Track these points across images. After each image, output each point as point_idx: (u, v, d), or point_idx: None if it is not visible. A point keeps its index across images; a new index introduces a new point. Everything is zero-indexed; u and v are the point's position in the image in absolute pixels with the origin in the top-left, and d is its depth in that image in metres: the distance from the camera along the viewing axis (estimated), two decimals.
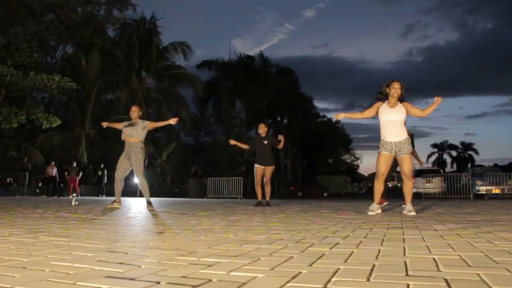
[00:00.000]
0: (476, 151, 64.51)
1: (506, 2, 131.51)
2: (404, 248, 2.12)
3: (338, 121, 57.43)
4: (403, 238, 2.55)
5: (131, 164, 7.06)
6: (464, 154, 64.73)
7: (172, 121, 7.38)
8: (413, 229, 3.13)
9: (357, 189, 55.59)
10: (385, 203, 8.11)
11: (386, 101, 5.43)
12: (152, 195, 7.41)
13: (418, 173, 21.03)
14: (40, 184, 22.59)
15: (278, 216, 5.10)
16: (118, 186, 7.36)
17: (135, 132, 7.09)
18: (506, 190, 18.05)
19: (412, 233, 2.83)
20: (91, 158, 24.31)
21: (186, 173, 28.15)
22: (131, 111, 7.34)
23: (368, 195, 9.04)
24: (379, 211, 5.48)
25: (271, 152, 9.09)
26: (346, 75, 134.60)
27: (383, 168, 5.37)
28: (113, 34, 30.05)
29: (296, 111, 39.60)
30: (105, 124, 7.76)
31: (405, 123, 6.39)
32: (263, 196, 9.06)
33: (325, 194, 35.96)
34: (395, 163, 5.80)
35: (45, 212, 5.56)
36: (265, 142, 8.96)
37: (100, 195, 21.29)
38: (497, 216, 4.85)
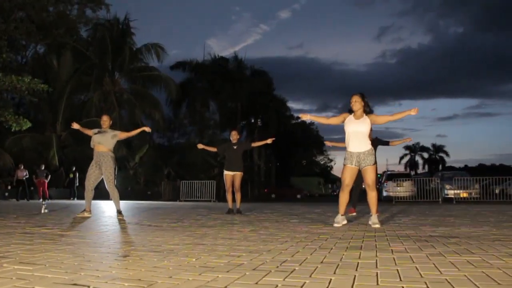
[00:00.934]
0: (447, 153, 66.21)
1: (476, 8, 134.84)
2: (355, 277, 2.25)
3: (312, 123, 57.97)
4: (358, 263, 2.68)
5: (101, 173, 7.10)
6: (435, 156, 66.22)
7: (146, 129, 7.47)
8: (370, 251, 3.27)
9: (331, 191, 56.27)
10: (354, 213, 8.30)
11: (353, 113, 5.60)
12: (125, 198, 7.51)
13: (389, 177, 21.48)
14: (9, 187, 22.16)
15: (245, 229, 5.20)
16: (89, 195, 7.37)
17: (104, 140, 7.12)
18: (473, 194, 18.62)
19: (368, 257, 2.96)
20: (63, 160, 23.98)
21: (159, 175, 28.02)
22: (102, 120, 7.40)
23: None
24: (345, 222, 5.64)
25: (240, 158, 9.16)
26: (321, 76, 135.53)
27: (348, 179, 5.56)
28: (86, 34, 29.68)
29: (270, 112, 39.83)
30: (75, 126, 7.69)
31: (370, 135, 6.62)
32: (234, 201, 9.17)
33: (299, 196, 36.28)
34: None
35: (12, 226, 5.52)
36: (235, 147, 9.05)
37: (72, 198, 21.03)
38: (455, 229, 5.06)
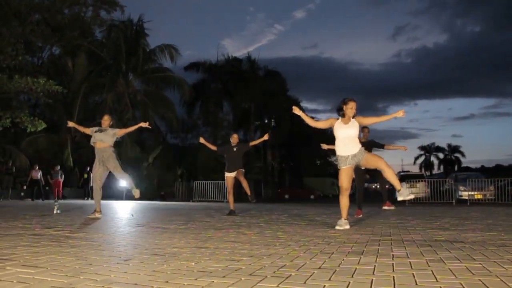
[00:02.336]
0: (462, 154, 65.50)
1: (493, 6, 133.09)
2: (348, 284, 2.26)
3: None
4: (355, 269, 2.69)
5: (107, 169, 7.27)
6: (451, 157, 65.55)
7: (143, 124, 7.60)
8: (371, 256, 3.27)
9: None
10: (361, 215, 8.27)
11: (340, 118, 5.68)
12: (138, 199, 7.66)
13: (402, 178, 21.30)
14: (24, 187, 22.50)
15: (251, 232, 5.22)
16: (98, 195, 7.50)
17: (105, 138, 7.34)
18: (488, 195, 18.39)
19: (367, 263, 2.96)
20: (77, 161, 24.25)
21: (173, 175, 28.18)
22: (103, 119, 7.64)
23: (354, 198, 9.24)
24: (347, 226, 5.63)
25: (241, 160, 9.27)
26: (336, 76, 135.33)
27: (346, 183, 5.63)
28: (100, 36, 29.99)
29: (283, 113, 39.78)
30: (71, 124, 7.90)
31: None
32: (248, 197, 9.33)
33: (312, 197, 36.18)
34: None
35: (23, 227, 5.62)
36: (235, 149, 9.17)
37: (86, 198, 21.28)
38: (462, 233, 5.02)
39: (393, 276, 2.47)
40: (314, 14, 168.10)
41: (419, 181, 20.28)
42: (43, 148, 23.88)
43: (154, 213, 9.98)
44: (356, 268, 2.73)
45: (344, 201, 5.73)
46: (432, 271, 2.64)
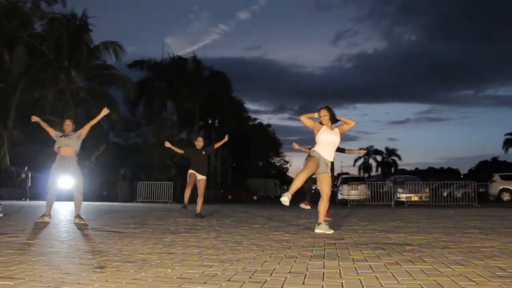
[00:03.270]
0: (399, 157, 68.55)
1: (429, 17, 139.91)
2: (322, 287, 2.47)
3: (268, 125, 58.54)
4: (323, 273, 2.91)
5: (70, 176, 7.02)
6: (388, 159, 68.34)
7: (104, 112, 7.32)
8: (333, 260, 3.51)
9: None
10: (308, 207, 8.49)
11: (325, 125, 5.91)
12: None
13: (344, 181, 22.08)
14: None
15: (210, 235, 5.35)
16: (51, 200, 7.28)
17: (71, 143, 7.09)
18: (423, 197, 19.49)
19: (332, 266, 3.19)
20: (14, 159, 23.21)
21: (116, 175, 27.60)
22: (65, 124, 7.32)
23: (296, 199, 9.53)
24: (287, 203, 5.50)
25: (207, 163, 9.46)
26: (278, 77, 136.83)
27: (312, 167, 5.67)
28: (41, 29, 28.77)
29: (227, 113, 39.99)
30: (35, 118, 7.43)
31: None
32: (189, 202, 9.37)
33: (255, 198, 36.55)
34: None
35: None
36: (203, 152, 9.31)
37: (24, 199, 20.46)
38: (409, 235, 5.40)
39: (360, 279, 2.70)
40: (258, 16, 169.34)
41: (360, 183, 21.08)
42: None
43: (103, 215, 9.85)
44: (324, 272, 2.94)
45: (302, 177, 5.63)
46: (391, 273, 2.90)
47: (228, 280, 2.67)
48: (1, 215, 8.78)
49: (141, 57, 36.18)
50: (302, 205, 8.35)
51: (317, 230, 5.76)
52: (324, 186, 5.81)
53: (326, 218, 8.20)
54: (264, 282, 2.62)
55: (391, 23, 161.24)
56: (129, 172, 28.99)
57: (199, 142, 9.43)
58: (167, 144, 9.65)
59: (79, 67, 26.10)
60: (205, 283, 2.59)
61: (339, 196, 20.96)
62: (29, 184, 21.03)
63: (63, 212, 10.42)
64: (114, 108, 26.99)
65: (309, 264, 3.30)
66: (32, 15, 28.91)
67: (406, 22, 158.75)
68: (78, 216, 7.11)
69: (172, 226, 6.85)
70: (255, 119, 56.26)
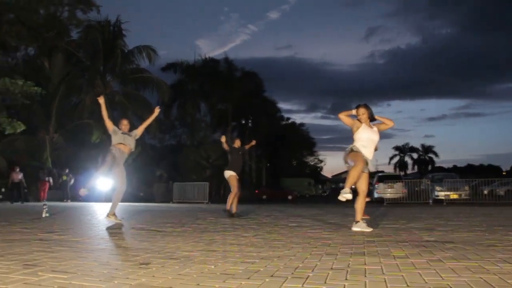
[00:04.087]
0: (436, 154, 67.02)
1: (464, 9, 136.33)
2: (366, 284, 2.48)
3: (302, 124, 58.38)
4: (365, 269, 2.91)
5: (118, 173, 7.09)
6: (424, 157, 66.99)
7: (156, 112, 7.45)
8: (373, 256, 3.50)
9: (321, 191, 56.60)
10: (367, 217, 8.35)
11: (364, 123, 5.90)
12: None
13: (380, 179, 21.80)
14: (3, 190, 22.11)
15: (249, 234, 5.40)
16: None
17: (131, 142, 7.21)
18: (463, 195, 18.96)
19: (373, 262, 3.19)
20: (55, 162, 23.96)
21: (152, 177, 28.10)
22: (123, 124, 7.21)
23: (331, 198, 9.44)
24: (350, 196, 5.49)
25: (242, 162, 9.57)
26: (310, 76, 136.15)
27: (362, 163, 5.66)
28: (77, 36, 29.65)
29: (260, 114, 40.10)
30: (101, 100, 7.38)
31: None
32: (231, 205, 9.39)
33: (289, 197, 36.45)
34: None
35: (23, 232, 5.67)
36: (240, 153, 9.41)
37: (65, 200, 21.06)
38: (450, 234, 5.31)
39: (403, 275, 2.70)
40: (288, 15, 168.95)
41: (396, 181, 20.76)
42: (21, 149, 23.49)
43: (141, 215, 10.05)
44: (365, 269, 2.94)
45: (356, 172, 5.60)
46: (435, 270, 2.88)
47: (271, 276, 2.71)
48: (47, 215, 9.09)
49: (174, 60, 36.65)
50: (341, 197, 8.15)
51: (355, 228, 5.73)
52: (362, 184, 5.78)
53: (363, 217, 8.13)
54: (307, 278, 2.65)
55: (423, 17, 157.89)
56: (165, 173, 29.45)
57: (238, 143, 9.60)
58: (223, 139, 9.45)
59: (114, 72, 26.73)
60: (248, 278, 2.64)
61: (375, 195, 20.70)
62: (71, 184, 21.66)
63: (103, 212, 10.69)
64: (149, 111, 27.49)
65: (350, 261, 3.31)
66: (69, 24, 29.80)
67: (439, 15, 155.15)
68: (113, 214, 7.17)
69: (211, 225, 6.94)
70: (288, 118, 56.14)
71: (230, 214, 8.98)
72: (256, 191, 39.01)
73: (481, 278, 2.61)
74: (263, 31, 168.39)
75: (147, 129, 25.86)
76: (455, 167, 72.62)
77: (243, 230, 5.96)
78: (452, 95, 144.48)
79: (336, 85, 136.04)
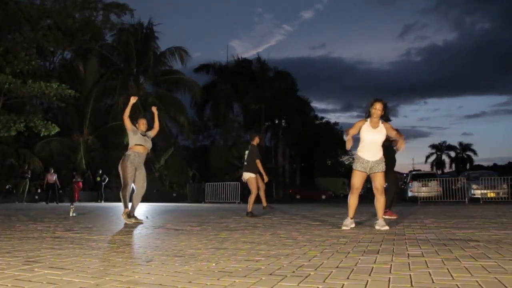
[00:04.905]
0: (474, 152, 64.92)
1: (503, 2, 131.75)
2: (367, 283, 2.32)
3: (336, 123, 57.76)
4: (372, 268, 2.75)
5: (136, 174, 7.05)
6: (462, 155, 65.06)
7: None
8: (387, 255, 3.32)
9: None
10: (395, 216, 8.06)
11: (369, 120, 5.61)
12: (151, 200, 7.43)
13: (414, 177, 21.26)
14: (39, 190, 22.81)
15: (267, 232, 5.28)
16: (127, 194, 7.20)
17: (148, 144, 7.22)
18: (501, 193, 18.19)
19: (383, 261, 3.02)
20: (89, 163, 24.50)
21: (184, 177, 28.33)
22: (141, 123, 7.26)
23: (365, 198, 9.22)
24: (353, 225, 5.66)
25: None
26: (345, 75, 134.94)
27: (358, 183, 5.63)
28: (111, 39, 30.26)
29: (293, 113, 39.79)
30: (133, 99, 7.34)
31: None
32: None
33: (323, 197, 36.08)
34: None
35: (43, 230, 5.74)
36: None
37: (99, 201, 21.49)
38: (477, 232, 5.04)
39: (410, 275, 2.52)
40: (322, 14, 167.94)
41: (431, 180, 20.19)
42: (56, 151, 24.14)
43: (168, 215, 10.09)
44: (373, 267, 2.78)
45: (353, 200, 5.69)
46: (448, 269, 2.69)
47: (270, 274, 2.59)
48: (74, 214, 9.26)
49: (208, 62, 36.89)
50: (386, 216, 7.69)
51: (376, 227, 5.55)
52: (376, 183, 5.58)
53: (387, 217, 7.81)
54: (307, 276, 2.51)
55: (460, 12, 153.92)
56: (198, 174, 29.65)
57: (257, 140, 9.15)
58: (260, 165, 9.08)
59: (147, 74, 27.10)
60: (245, 276, 2.53)
61: (409, 194, 20.18)
62: (105, 183, 22.10)
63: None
64: (182, 112, 27.79)
65: (359, 259, 3.14)
66: (103, 27, 30.45)
67: (477, 10, 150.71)
68: (133, 215, 7.17)
69: (233, 224, 6.85)
70: (322, 117, 55.49)
71: (253, 214, 8.84)
72: (290, 191, 38.78)
73: (496, 278, 2.41)
74: (297, 31, 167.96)
75: (180, 130, 26.08)
76: (495, 165, 70.16)
77: (263, 229, 5.84)
78: (491, 91, 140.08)
79: (371, 83, 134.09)
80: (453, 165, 64.74)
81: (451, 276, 2.48)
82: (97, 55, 26.59)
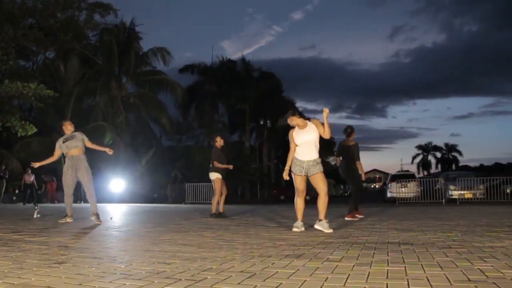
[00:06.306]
0: (460, 153, 65.43)
1: (491, 5, 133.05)
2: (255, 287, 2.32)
3: (322, 123, 57.74)
4: (274, 273, 2.75)
5: (78, 176, 7.15)
6: (448, 156, 65.49)
7: (109, 151, 7.43)
8: (304, 259, 3.34)
9: (342, 191, 55.98)
10: (361, 216, 8.18)
11: (296, 127, 5.72)
12: (132, 201, 7.52)
13: (393, 178, 21.34)
14: (17, 191, 22.61)
15: (212, 234, 5.27)
16: (69, 200, 7.50)
17: (77, 143, 7.20)
18: (478, 194, 18.26)
19: (294, 265, 3.05)
20: None
21: (166, 178, 28.23)
22: (66, 127, 7.45)
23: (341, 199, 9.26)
24: (303, 228, 5.64)
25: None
26: (335, 76, 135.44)
27: (301, 186, 5.70)
28: (94, 39, 30.06)
29: (278, 114, 39.76)
30: (37, 165, 7.75)
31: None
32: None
33: (308, 198, 35.97)
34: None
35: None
36: (223, 155, 9.12)
37: (79, 202, 21.29)
38: (421, 235, 5.06)
39: (305, 280, 2.53)
40: (312, 15, 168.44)
41: (410, 180, 20.23)
42: (36, 151, 23.86)
43: (136, 216, 10.09)
44: (277, 271, 2.79)
45: (300, 202, 5.76)
46: (349, 274, 2.69)
47: (167, 278, 2.58)
48: (38, 216, 9.18)
49: (193, 62, 36.85)
50: (348, 218, 7.84)
51: (316, 226, 5.61)
52: (319, 185, 5.58)
53: (350, 218, 7.86)
54: (201, 280, 2.51)
55: (449, 14, 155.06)
56: (180, 174, 29.55)
57: (220, 141, 9.12)
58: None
59: (129, 74, 26.93)
60: (139, 279, 2.52)
61: (388, 194, 20.26)
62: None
63: (101, 214, 10.71)
64: (164, 112, 27.67)
65: (272, 263, 3.14)
66: (85, 27, 30.23)
67: (465, 12, 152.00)
68: (96, 214, 7.28)
69: (190, 225, 6.82)
70: (309, 118, 55.58)
71: (216, 215, 8.87)
72: (274, 191, 38.82)
73: (386, 284, 2.42)
74: (287, 32, 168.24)
75: (163, 130, 25.88)
76: (482, 166, 70.73)
77: (212, 231, 5.82)
78: (479, 93, 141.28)
79: (361, 84, 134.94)
80: (439, 166, 65.21)
81: (344, 282, 2.46)
82: (78, 55, 26.35)
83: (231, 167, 9.09)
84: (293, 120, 5.65)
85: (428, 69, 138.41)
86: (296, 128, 5.70)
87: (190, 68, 36.20)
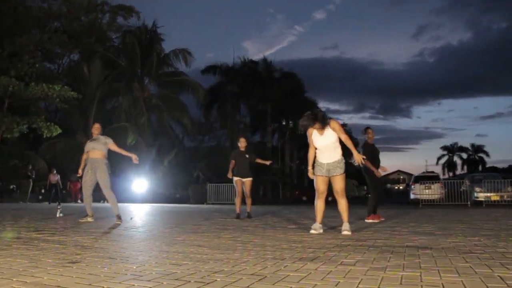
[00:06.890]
0: (487, 153, 63.91)
1: None
2: None
3: (345, 124, 57.42)
4: (285, 276, 2.72)
5: (96, 178, 7.29)
6: (474, 157, 64.17)
7: (134, 159, 7.48)
8: (318, 262, 3.29)
9: (365, 193, 55.38)
10: (377, 219, 8.06)
11: (317, 129, 5.63)
12: (154, 201, 7.64)
13: (416, 180, 21.01)
14: (43, 191, 23.09)
15: (228, 235, 5.26)
16: (88, 201, 7.64)
17: (97, 145, 7.36)
18: (505, 196, 17.75)
19: (306, 269, 3.00)
20: None
21: (188, 178, 28.42)
22: (94, 127, 7.73)
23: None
24: (321, 230, 5.58)
25: (248, 165, 9.25)
26: (357, 76, 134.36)
27: (322, 187, 5.65)
28: (117, 41, 30.56)
29: (300, 114, 39.65)
30: (80, 172, 7.79)
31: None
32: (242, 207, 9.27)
33: (330, 199, 35.81)
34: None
35: (11, 231, 5.78)
36: (247, 156, 9.17)
37: (102, 201, 21.60)
38: (442, 238, 4.95)
39: (315, 284, 2.48)
40: (334, 15, 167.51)
41: (434, 182, 19.88)
42: (61, 152, 24.35)
43: (157, 216, 10.13)
44: (288, 275, 2.75)
45: (320, 204, 5.70)
46: (362, 279, 2.64)
47: (176, 279, 2.57)
48: (61, 215, 9.33)
49: (214, 63, 37.07)
50: (369, 220, 7.80)
51: (344, 230, 5.53)
52: (336, 186, 5.54)
53: (370, 220, 7.79)
54: (210, 283, 2.48)
55: (476, 12, 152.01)
56: (202, 175, 29.71)
57: (242, 143, 9.29)
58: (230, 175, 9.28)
59: (151, 75, 27.24)
60: (149, 280, 2.52)
61: (411, 196, 19.96)
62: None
63: (122, 214, 10.83)
64: (185, 113, 27.89)
65: (285, 266, 3.10)
66: (108, 29, 30.72)
67: (493, 9, 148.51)
68: (117, 216, 7.39)
69: (208, 226, 6.82)
70: (330, 118, 55.32)
71: (238, 216, 8.91)
72: (297, 192, 38.66)
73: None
74: (309, 32, 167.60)
75: (185, 131, 26.11)
76: (510, 167, 69.06)
77: (229, 232, 5.81)
78: (508, 92, 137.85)
79: (384, 84, 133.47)
80: (465, 167, 63.92)
81: (355, 287, 2.41)
82: (101, 57, 26.81)
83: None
84: (310, 128, 5.63)
85: (454, 68, 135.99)
86: (315, 132, 5.65)
87: (212, 69, 36.36)
